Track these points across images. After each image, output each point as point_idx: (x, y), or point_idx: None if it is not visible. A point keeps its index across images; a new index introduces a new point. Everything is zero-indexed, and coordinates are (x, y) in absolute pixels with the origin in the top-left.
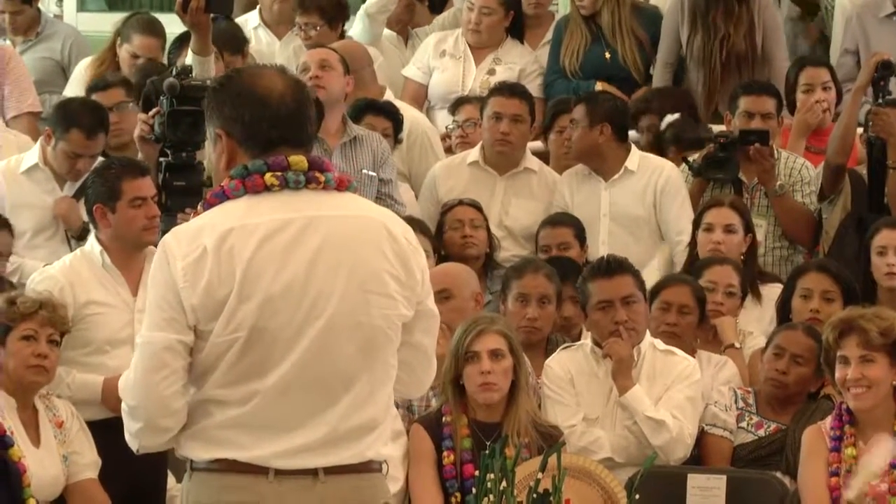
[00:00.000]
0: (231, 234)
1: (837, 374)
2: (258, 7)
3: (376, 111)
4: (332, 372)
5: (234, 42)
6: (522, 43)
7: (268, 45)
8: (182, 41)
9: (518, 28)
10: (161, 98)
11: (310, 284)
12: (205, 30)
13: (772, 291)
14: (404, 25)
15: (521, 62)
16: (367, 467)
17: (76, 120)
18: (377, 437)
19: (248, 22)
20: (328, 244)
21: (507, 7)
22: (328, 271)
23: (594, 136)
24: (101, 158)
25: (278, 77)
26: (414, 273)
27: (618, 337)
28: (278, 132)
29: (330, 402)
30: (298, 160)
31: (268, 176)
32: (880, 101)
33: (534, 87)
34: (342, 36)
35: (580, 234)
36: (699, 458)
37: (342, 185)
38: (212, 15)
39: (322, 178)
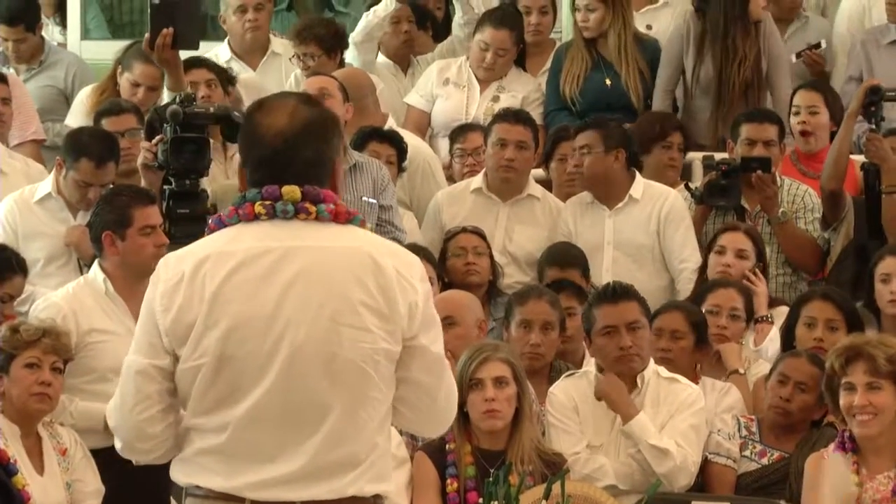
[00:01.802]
0: (207, 261)
1: (843, 401)
2: (226, 39)
3: (381, 138)
4: (303, 404)
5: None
6: (525, 70)
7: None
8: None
9: (521, 56)
10: (164, 125)
11: (279, 314)
12: (174, 65)
13: (783, 314)
14: (403, 56)
15: (524, 90)
16: (352, 502)
17: (86, 149)
18: (361, 473)
19: (220, 56)
20: (303, 275)
21: (518, 43)
22: (300, 302)
23: (609, 162)
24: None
25: (288, 113)
26: (397, 307)
27: (622, 363)
28: (259, 174)
29: (305, 435)
30: (290, 190)
31: (257, 205)
32: (873, 127)
33: (536, 114)
34: (342, 64)
35: (585, 273)
36: (703, 486)
37: (340, 218)
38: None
39: (313, 210)
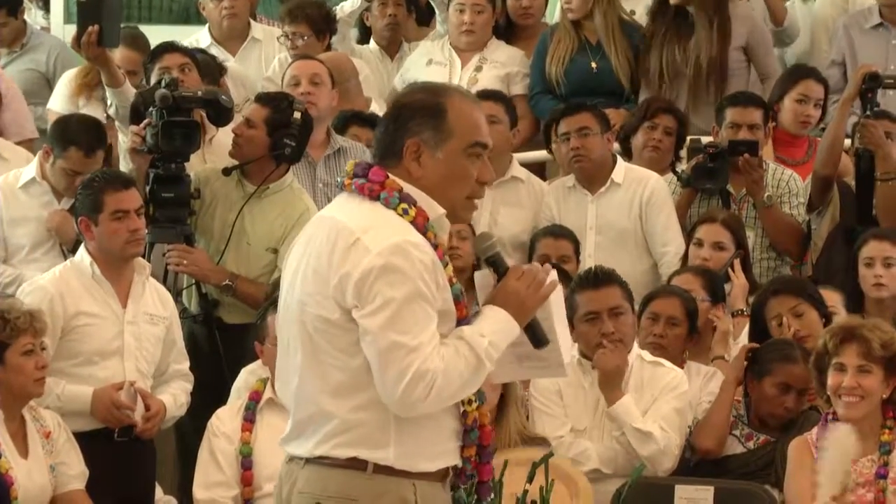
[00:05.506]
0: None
1: (831, 381)
2: (207, 25)
3: (361, 122)
4: (289, 366)
5: (209, 70)
6: (508, 43)
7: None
8: (154, 55)
9: (503, 30)
10: (150, 109)
11: (289, 282)
12: (105, 62)
13: None
14: (392, 41)
15: (508, 63)
16: (322, 461)
17: (75, 138)
18: (327, 437)
19: (200, 42)
20: (306, 245)
21: (493, 5)
22: (294, 270)
23: (606, 145)
24: None
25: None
26: (331, 276)
27: (604, 349)
28: None
29: (292, 395)
30: (349, 165)
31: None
32: (868, 113)
33: (523, 85)
34: (328, 48)
35: (577, 250)
36: (688, 458)
37: (364, 193)
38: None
39: (349, 184)
